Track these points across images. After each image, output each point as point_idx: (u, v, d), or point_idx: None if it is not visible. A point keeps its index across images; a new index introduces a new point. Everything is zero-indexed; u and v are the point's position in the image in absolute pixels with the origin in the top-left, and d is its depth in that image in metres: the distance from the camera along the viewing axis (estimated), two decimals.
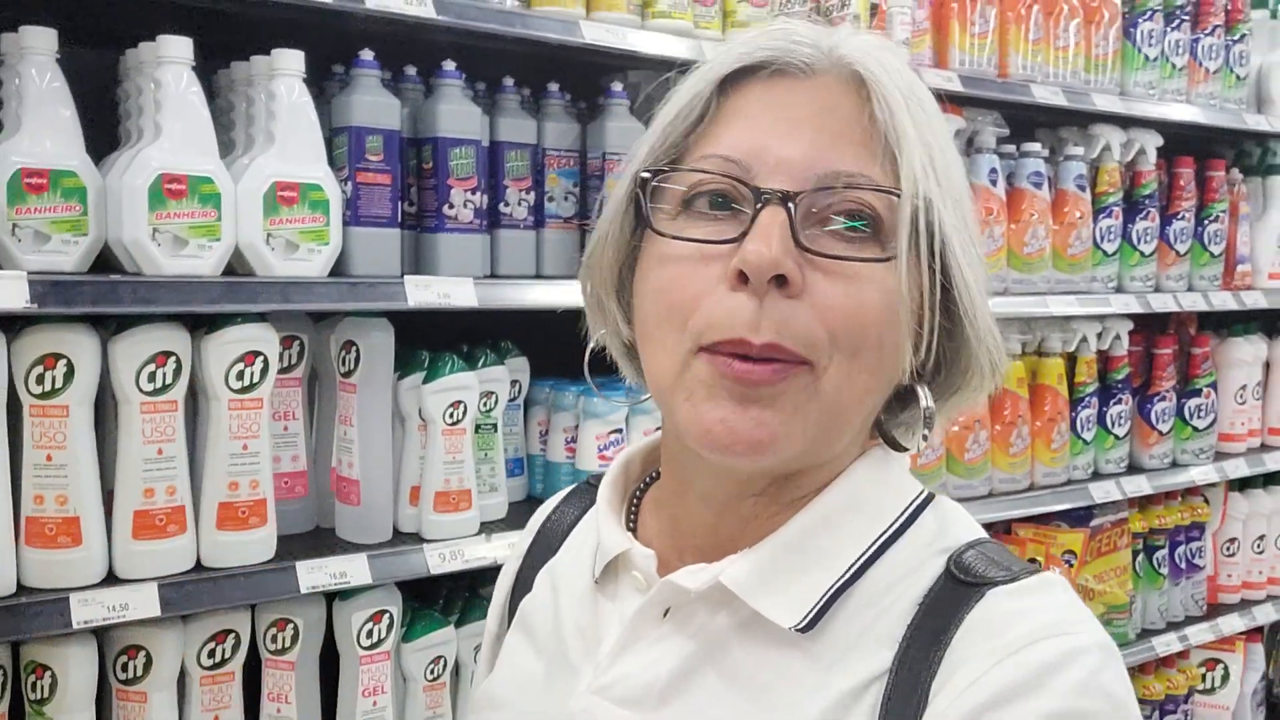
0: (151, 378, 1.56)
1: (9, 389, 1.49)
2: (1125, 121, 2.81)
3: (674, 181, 0.76)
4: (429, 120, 1.87)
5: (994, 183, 2.56)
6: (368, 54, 1.78)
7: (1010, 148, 2.66)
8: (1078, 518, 2.81)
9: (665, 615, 0.79)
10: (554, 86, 2.07)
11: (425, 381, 1.85)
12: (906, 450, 0.83)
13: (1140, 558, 2.99)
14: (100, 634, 1.57)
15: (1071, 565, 2.71)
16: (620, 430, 2.02)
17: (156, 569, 1.56)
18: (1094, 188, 2.79)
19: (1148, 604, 3.01)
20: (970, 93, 2.47)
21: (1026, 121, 2.78)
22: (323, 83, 1.89)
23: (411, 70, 1.94)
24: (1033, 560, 2.66)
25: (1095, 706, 0.66)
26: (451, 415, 1.85)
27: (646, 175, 0.77)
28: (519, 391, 2.14)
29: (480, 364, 1.94)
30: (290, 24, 1.79)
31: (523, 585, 0.96)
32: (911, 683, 0.70)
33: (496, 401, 1.98)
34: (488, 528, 1.92)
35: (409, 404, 1.86)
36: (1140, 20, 2.81)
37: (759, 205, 0.72)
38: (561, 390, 2.10)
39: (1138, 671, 2.97)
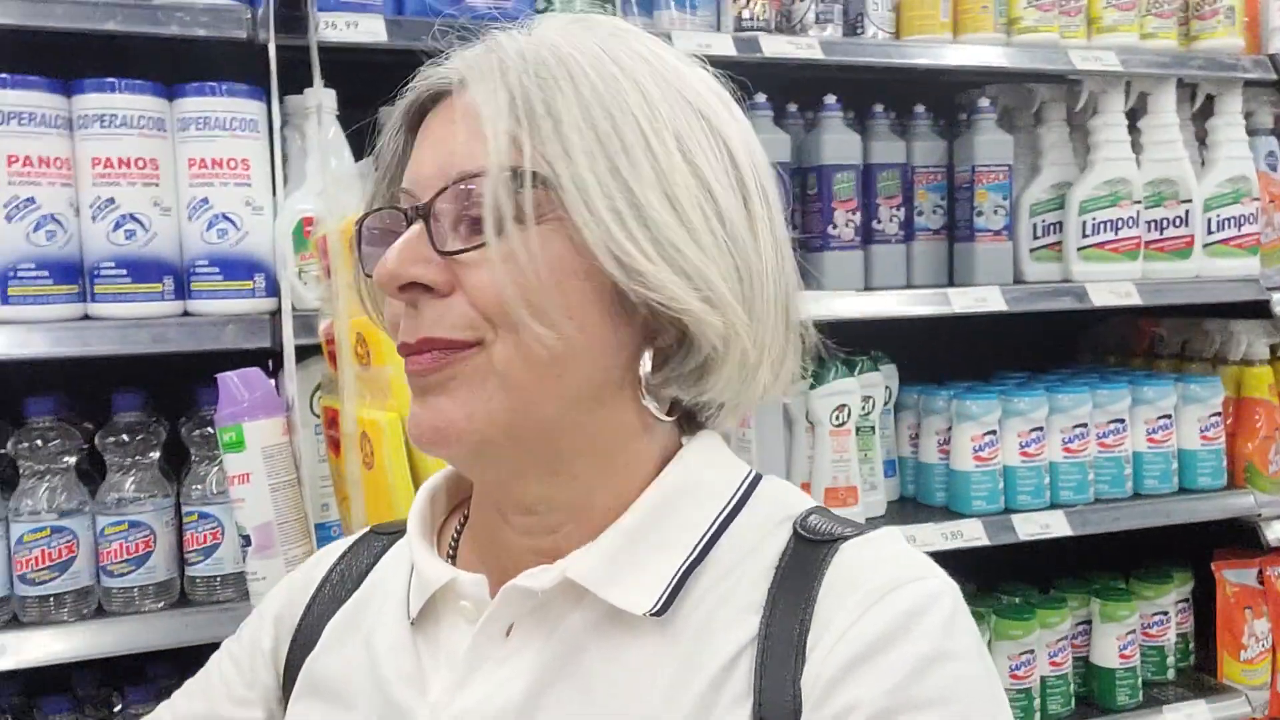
0: None
1: None
2: None
3: (376, 222, 0.79)
4: (813, 150, 2.05)
5: (1273, 167, 2.37)
6: (761, 97, 1.99)
7: None
8: None
9: (508, 634, 0.76)
10: (920, 108, 2.19)
11: (812, 388, 2.03)
12: (707, 429, 0.82)
13: None
14: None
15: None
16: (994, 431, 2.11)
17: None
18: None
19: None
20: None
21: None
22: None
23: (793, 106, 2.13)
24: None
25: (960, 643, 0.70)
26: (837, 418, 2.02)
27: (358, 224, 0.80)
28: (889, 396, 2.27)
29: (858, 370, 2.10)
30: None
31: (305, 640, 0.89)
32: (785, 641, 0.71)
33: (874, 405, 2.13)
34: (870, 523, 2.06)
35: (797, 408, 2.05)
36: None
37: (408, 224, 0.74)
38: (932, 395, 2.21)
39: None
